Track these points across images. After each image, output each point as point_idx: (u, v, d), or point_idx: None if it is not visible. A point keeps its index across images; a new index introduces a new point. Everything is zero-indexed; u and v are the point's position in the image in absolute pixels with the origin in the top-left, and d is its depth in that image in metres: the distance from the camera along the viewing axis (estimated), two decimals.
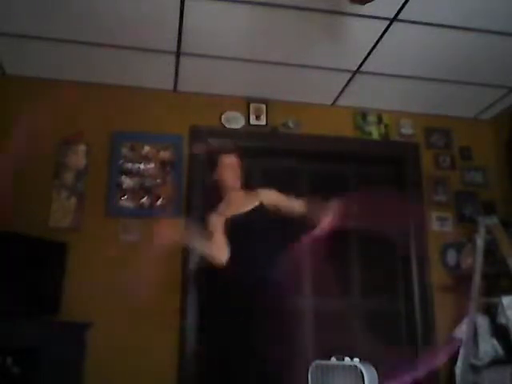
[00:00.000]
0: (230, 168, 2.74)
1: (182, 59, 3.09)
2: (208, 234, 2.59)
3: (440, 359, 2.77)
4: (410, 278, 3.42)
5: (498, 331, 2.96)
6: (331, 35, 2.82)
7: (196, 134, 3.38)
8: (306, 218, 2.54)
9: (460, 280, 3.31)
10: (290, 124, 3.51)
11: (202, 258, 2.78)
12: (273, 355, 2.31)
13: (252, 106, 3.52)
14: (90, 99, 3.32)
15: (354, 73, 3.23)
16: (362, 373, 1.94)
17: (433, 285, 3.38)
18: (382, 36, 2.84)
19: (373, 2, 2.21)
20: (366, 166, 3.69)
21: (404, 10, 2.61)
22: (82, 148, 3.21)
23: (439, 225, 3.52)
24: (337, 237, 2.50)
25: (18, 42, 2.91)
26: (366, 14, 2.63)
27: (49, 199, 3.08)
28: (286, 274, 2.54)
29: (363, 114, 3.67)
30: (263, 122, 3.50)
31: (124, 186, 3.21)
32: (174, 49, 2.98)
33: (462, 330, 3.03)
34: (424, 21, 2.70)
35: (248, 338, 2.41)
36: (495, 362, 2.94)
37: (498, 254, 2.94)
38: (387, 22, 2.72)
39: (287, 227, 2.54)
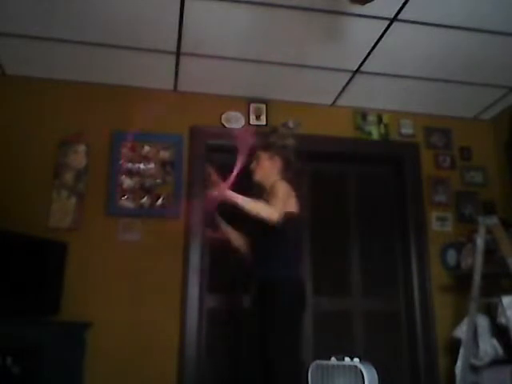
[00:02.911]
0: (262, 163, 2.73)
1: (182, 59, 3.09)
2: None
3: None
4: (410, 278, 3.42)
5: (498, 331, 2.96)
6: (331, 35, 2.82)
7: (196, 133, 3.38)
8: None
9: (460, 280, 3.32)
10: (290, 124, 3.51)
11: None
12: None
13: (252, 106, 3.52)
14: (89, 99, 3.32)
15: (354, 73, 3.23)
16: (361, 373, 1.94)
17: (433, 285, 3.38)
18: (382, 36, 2.84)
19: (373, 2, 2.21)
20: (366, 165, 3.69)
21: (404, 9, 2.61)
22: (82, 148, 3.21)
23: (439, 225, 3.52)
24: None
25: (17, 42, 2.91)
26: (366, 14, 2.63)
27: (49, 199, 3.08)
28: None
29: (363, 114, 3.66)
30: (263, 122, 3.49)
31: (124, 185, 3.21)
32: (174, 49, 2.98)
33: (462, 330, 3.04)
34: (424, 21, 2.70)
35: None
36: (495, 362, 2.94)
37: (497, 253, 2.94)
38: (387, 22, 2.72)
39: None
